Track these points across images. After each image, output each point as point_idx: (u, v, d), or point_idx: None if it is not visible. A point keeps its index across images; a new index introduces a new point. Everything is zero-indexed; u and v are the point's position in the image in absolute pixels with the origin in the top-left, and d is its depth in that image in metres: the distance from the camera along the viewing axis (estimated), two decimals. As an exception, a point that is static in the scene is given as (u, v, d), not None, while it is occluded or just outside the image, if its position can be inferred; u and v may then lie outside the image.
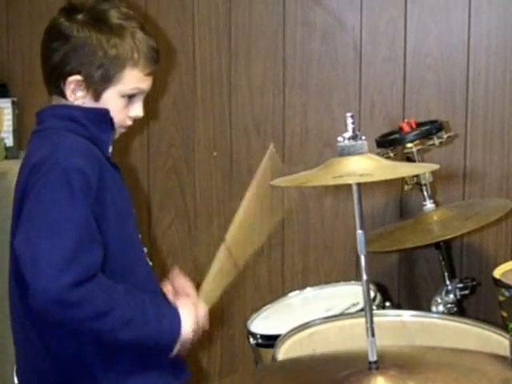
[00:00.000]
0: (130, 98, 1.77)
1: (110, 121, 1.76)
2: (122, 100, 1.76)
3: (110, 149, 1.78)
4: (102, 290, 1.60)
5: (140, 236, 1.87)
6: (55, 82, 1.75)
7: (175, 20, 2.77)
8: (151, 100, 2.80)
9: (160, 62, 1.81)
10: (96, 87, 1.73)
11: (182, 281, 1.89)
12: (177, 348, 1.74)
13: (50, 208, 1.59)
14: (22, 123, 2.79)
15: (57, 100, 1.78)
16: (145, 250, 1.87)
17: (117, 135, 1.81)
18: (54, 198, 1.60)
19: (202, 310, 1.80)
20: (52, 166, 1.62)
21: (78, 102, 1.74)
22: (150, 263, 1.88)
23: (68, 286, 1.54)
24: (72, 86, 1.73)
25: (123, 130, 1.82)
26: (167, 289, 1.90)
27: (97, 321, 1.60)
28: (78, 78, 1.72)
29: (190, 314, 1.76)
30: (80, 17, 1.73)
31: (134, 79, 1.75)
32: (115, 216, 1.71)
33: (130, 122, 1.81)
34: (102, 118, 1.75)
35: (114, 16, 1.74)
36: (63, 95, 1.75)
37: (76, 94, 1.74)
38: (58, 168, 1.61)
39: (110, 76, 1.72)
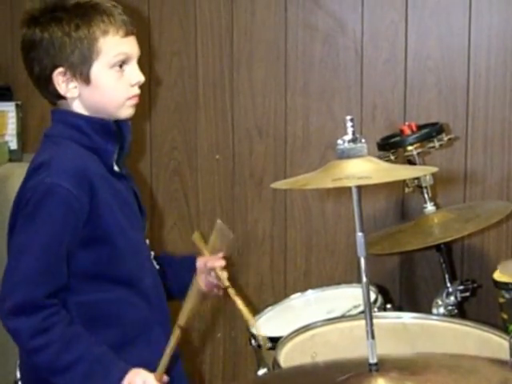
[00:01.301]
0: (121, 67, 1.74)
1: (114, 132, 1.76)
2: (113, 71, 1.73)
3: (115, 158, 1.78)
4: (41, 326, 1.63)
5: (148, 241, 1.88)
6: (47, 88, 1.75)
7: (178, 24, 2.78)
8: (154, 103, 2.81)
9: (133, 22, 1.76)
10: (81, 70, 1.71)
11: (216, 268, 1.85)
12: None
13: (22, 230, 1.67)
14: (25, 126, 2.80)
15: (61, 104, 1.78)
16: (152, 253, 1.88)
17: (129, 112, 1.78)
18: (33, 218, 1.65)
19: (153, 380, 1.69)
20: (39, 184, 1.66)
21: (74, 95, 1.73)
22: (158, 267, 1.89)
23: (7, 311, 1.64)
24: (60, 81, 1.72)
25: (133, 102, 1.77)
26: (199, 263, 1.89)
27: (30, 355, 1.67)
28: (59, 69, 1.71)
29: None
30: (40, 19, 1.73)
31: (113, 45, 1.72)
32: (118, 226, 1.73)
33: (136, 91, 1.77)
34: (106, 128, 1.75)
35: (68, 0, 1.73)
36: (61, 96, 1.75)
37: (68, 87, 1.73)
38: (43, 187, 1.65)
39: (87, 54, 1.71)
